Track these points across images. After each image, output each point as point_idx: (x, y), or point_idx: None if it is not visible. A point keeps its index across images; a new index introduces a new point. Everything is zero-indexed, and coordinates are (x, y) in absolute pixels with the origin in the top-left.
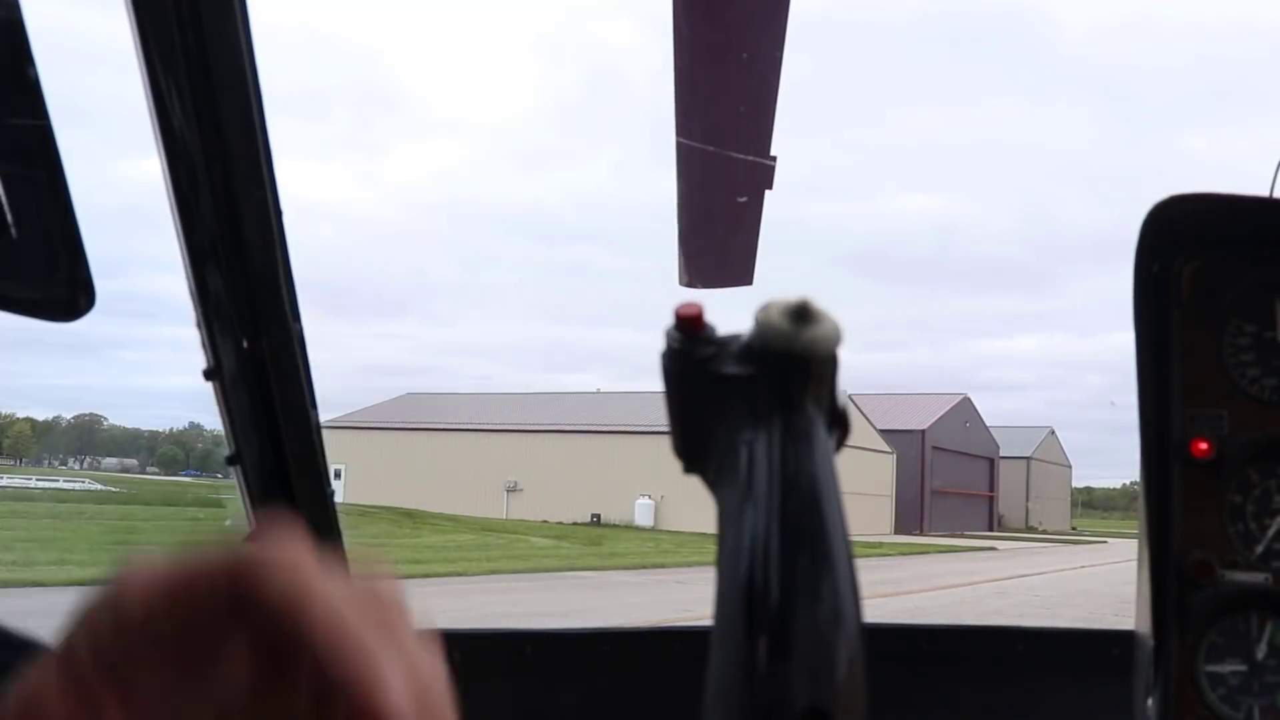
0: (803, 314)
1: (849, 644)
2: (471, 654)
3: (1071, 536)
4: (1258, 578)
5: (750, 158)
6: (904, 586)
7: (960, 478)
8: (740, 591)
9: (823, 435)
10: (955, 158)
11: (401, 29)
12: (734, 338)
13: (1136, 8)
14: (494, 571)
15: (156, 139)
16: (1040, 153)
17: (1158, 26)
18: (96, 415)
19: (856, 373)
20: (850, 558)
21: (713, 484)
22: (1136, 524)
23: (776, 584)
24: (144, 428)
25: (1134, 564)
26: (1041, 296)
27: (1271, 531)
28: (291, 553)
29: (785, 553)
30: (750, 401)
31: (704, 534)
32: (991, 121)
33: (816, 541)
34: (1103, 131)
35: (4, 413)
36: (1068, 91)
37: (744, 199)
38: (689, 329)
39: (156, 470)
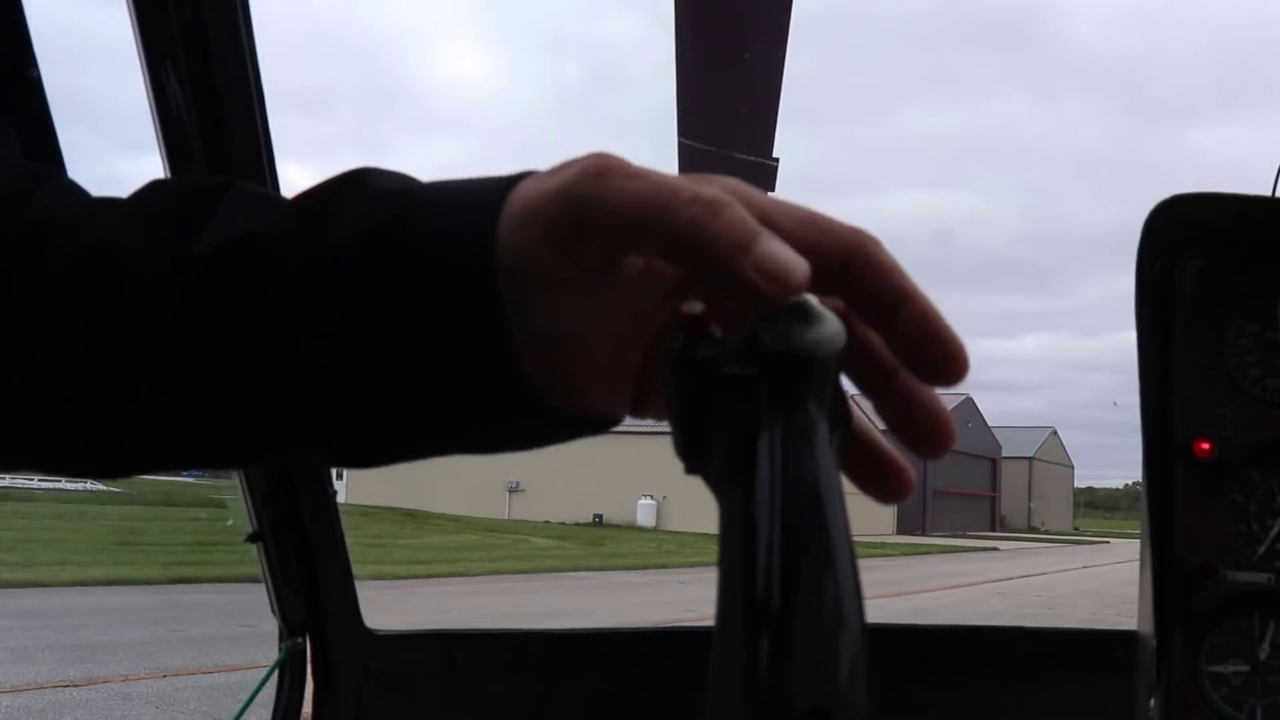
0: (804, 314)
1: (851, 644)
2: (475, 654)
3: (1074, 537)
4: (1260, 578)
5: (752, 158)
6: (907, 587)
7: (962, 478)
8: (742, 592)
9: (824, 435)
10: (962, 155)
11: (403, 25)
12: (736, 338)
13: (1148, 2)
14: (496, 572)
15: (158, 137)
16: (1048, 150)
17: (1169, 21)
18: None
19: None
20: (853, 558)
21: (715, 485)
22: (1139, 524)
23: (778, 584)
24: None
25: (1136, 564)
26: (1046, 296)
27: (1274, 532)
28: None
29: (787, 553)
30: (752, 402)
31: (706, 534)
32: (999, 118)
33: (818, 542)
34: (1112, 128)
35: None
36: (1077, 88)
37: None
38: (691, 330)
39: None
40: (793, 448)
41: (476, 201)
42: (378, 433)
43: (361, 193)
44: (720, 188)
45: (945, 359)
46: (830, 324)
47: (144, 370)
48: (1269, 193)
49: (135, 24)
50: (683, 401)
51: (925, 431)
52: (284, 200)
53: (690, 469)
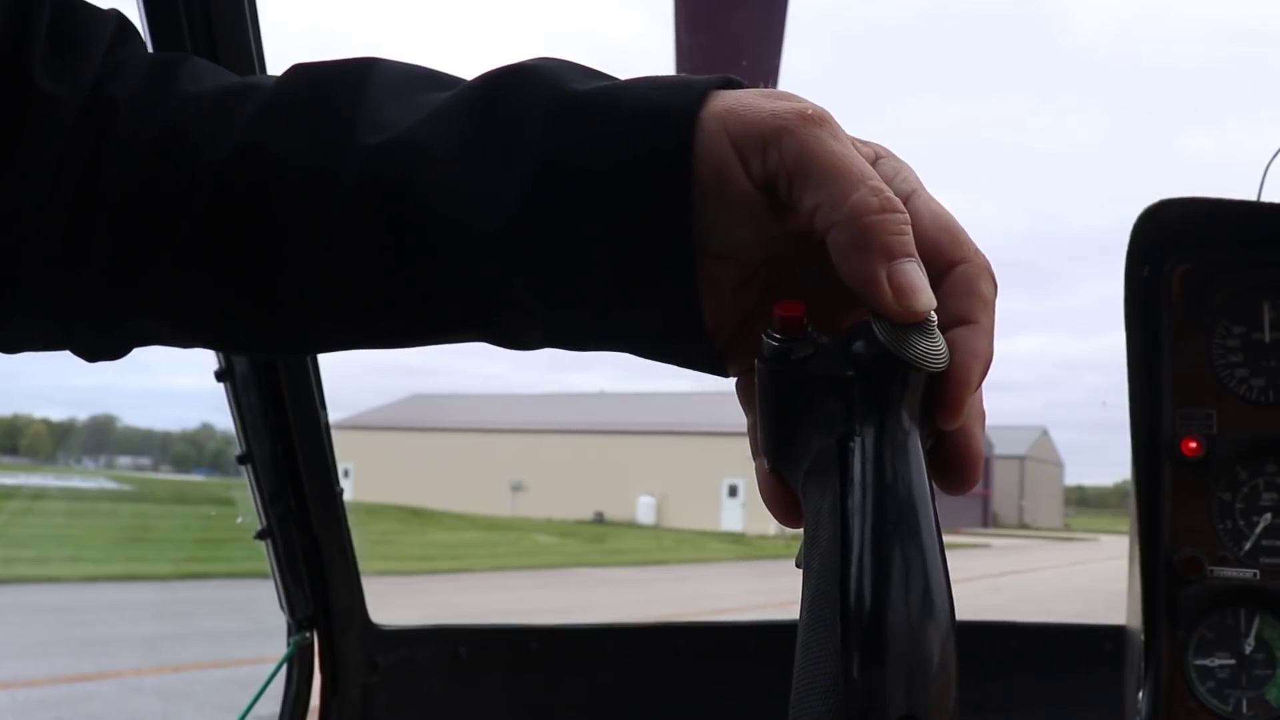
0: (921, 325)
1: (943, 651)
2: (477, 649)
3: (1064, 534)
4: (1245, 573)
5: None
6: None
7: None
8: (834, 596)
9: (918, 442)
10: (960, 156)
11: (409, 28)
12: (833, 339)
13: (1148, 4)
14: (500, 568)
15: None
16: (1047, 151)
17: (1169, 23)
18: (111, 416)
19: None
20: (944, 565)
21: (802, 484)
22: (1128, 522)
23: (871, 590)
24: (157, 428)
25: (1125, 560)
26: (1043, 296)
27: (1259, 528)
28: None
29: (880, 559)
30: (847, 404)
31: (704, 531)
32: (998, 119)
33: (912, 548)
34: (1110, 130)
35: (21, 413)
36: (1076, 90)
37: None
38: (789, 329)
39: (169, 469)
40: (887, 452)
41: (676, 95)
42: (534, 322)
43: (539, 97)
44: (899, 172)
45: (963, 480)
46: (942, 343)
47: (302, 272)
48: (1255, 197)
49: (146, 28)
50: (774, 399)
51: (960, 473)
52: (432, 78)
53: (775, 466)
